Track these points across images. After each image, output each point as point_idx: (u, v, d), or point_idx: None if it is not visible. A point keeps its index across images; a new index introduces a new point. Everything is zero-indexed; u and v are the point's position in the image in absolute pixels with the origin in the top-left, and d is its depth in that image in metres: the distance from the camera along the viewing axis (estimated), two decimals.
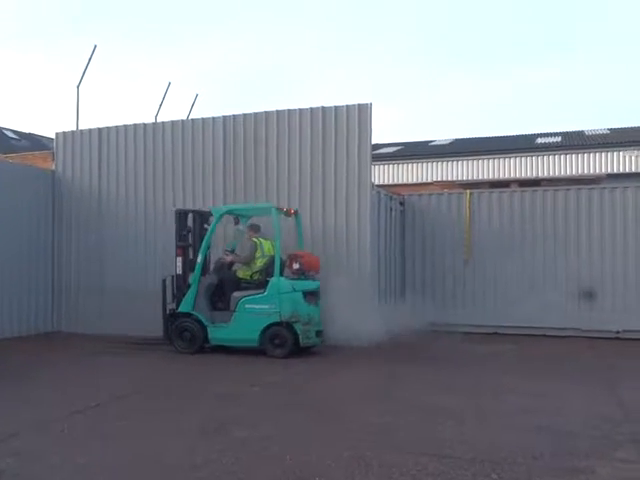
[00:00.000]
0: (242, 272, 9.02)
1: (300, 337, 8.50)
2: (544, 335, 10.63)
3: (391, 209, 11.24)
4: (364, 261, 9.65)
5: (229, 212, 9.35)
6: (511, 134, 25.95)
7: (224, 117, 10.62)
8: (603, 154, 20.33)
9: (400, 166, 22.35)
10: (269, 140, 10.29)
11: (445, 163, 21.81)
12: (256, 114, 10.42)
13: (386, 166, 22.25)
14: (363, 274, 9.62)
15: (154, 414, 5.66)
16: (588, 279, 10.82)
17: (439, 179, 20.94)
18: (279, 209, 9.00)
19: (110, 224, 11.26)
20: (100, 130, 11.50)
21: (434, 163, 21.95)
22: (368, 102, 9.75)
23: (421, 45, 75.05)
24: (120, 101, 51.53)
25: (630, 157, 20.06)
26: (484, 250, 11.39)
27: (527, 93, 68.10)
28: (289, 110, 10.22)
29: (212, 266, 9.27)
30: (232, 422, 5.31)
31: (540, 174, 20.13)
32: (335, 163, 9.88)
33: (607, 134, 23.55)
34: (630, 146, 20.30)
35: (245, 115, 10.49)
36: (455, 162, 21.73)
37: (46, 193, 11.50)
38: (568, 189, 11.35)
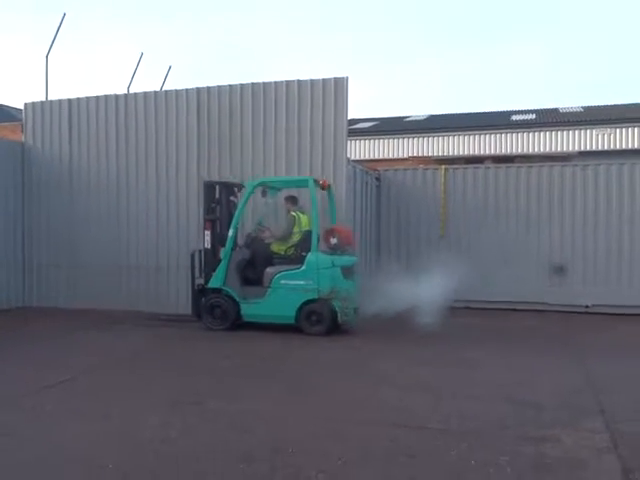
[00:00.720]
0: (276, 246, 8.72)
1: (338, 314, 8.25)
2: (515, 309, 10.83)
3: (367, 184, 11.24)
4: None
5: (263, 184, 9.00)
6: (487, 110, 26.06)
7: (198, 89, 10.45)
8: (576, 132, 20.55)
9: (376, 141, 22.33)
10: (244, 113, 10.17)
11: (421, 139, 21.84)
12: (231, 86, 10.27)
13: (362, 141, 22.22)
14: None
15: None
16: (559, 254, 11.02)
17: (415, 154, 21.00)
18: (315, 181, 8.65)
19: (81, 197, 11.09)
20: (70, 101, 11.24)
21: (410, 139, 21.97)
22: (344, 76, 9.68)
23: (398, 20, 74.55)
24: (91, 72, 50.37)
25: (602, 135, 20.31)
26: (459, 225, 11.50)
27: (503, 70, 68.23)
28: (265, 83, 10.09)
29: (243, 240, 8.96)
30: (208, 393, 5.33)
31: (514, 151, 20.30)
32: (311, 137, 9.82)
33: (581, 112, 23.78)
34: (603, 124, 20.54)
35: (220, 87, 10.33)
36: (430, 138, 21.77)
37: (15, 165, 11.24)
38: (541, 166, 11.48)
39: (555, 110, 24.69)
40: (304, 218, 8.78)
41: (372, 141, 22.35)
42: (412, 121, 25.66)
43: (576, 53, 70.05)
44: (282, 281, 8.36)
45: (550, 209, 11.12)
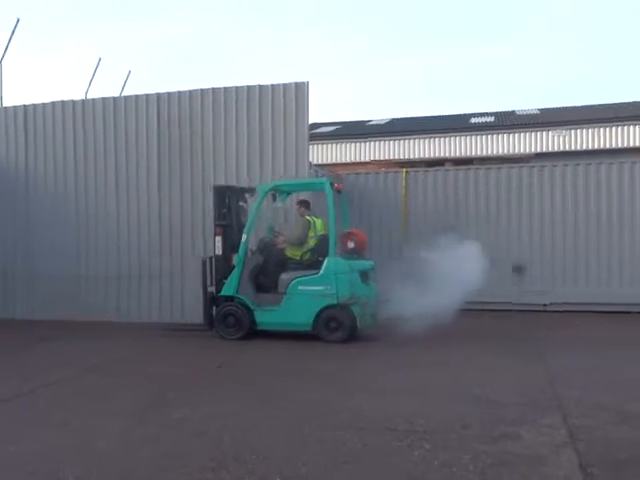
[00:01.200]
0: (291, 252, 8.51)
1: (358, 320, 8.03)
2: (475, 309, 10.94)
3: None
4: None
5: (276, 188, 8.74)
6: (446, 114, 26.48)
7: (158, 94, 10.36)
8: (533, 134, 21.00)
9: (338, 145, 22.44)
10: (205, 118, 10.12)
11: (382, 142, 22.02)
12: (191, 92, 10.21)
13: (324, 145, 22.30)
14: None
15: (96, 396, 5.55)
16: (518, 255, 11.24)
17: (376, 158, 21.17)
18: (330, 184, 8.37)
19: (38, 205, 10.86)
20: (26, 107, 11.00)
21: (371, 142, 22.14)
22: (305, 81, 9.72)
23: (359, 25, 75.07)
24: (48, 78, 49.39)
25: (558, 137, 20.81)
26: (420, 227, 11.63)
27: (462, 73, 69.34)
28: (225, 88, 10.06)
29: (255, 246, 8.71)
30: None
31: (474, 153, 20.64)
32: (272, 142, 9.83)
33: (537, 114, 24.32)
34: (558, 126, 21.05)
35: (180, 93, 10.26)
36: (392, 141, 21.97)
37: None
38: (500, 167, 11.72)
39: (512, 113, 25.19)
40: (319, 222, 8.59)
41: (334, 145, 22.46)
42: (373, 125, 25.86)
43: (531, 56, 71.68)
44: (299, 287, 8.12)
45: (509, 210, 11.36)
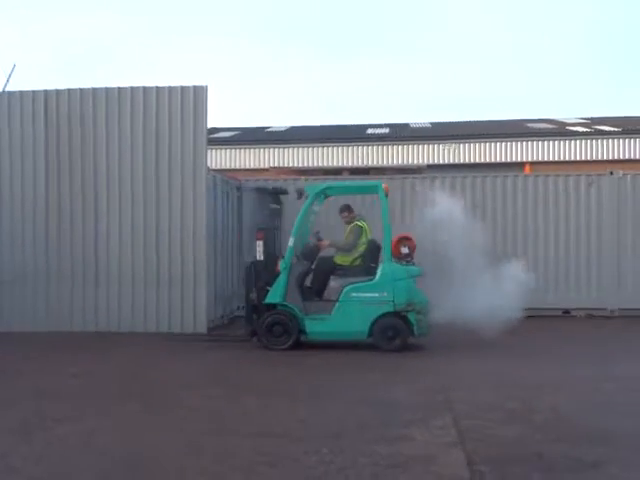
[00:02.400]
0: (341, 258, 8.19)
1: (414, 327, 7.81)
2: None
3: (227, 194, 11.17)
4: (199, 248, 9.49)
5: (327, 190, 8.43)
6: (344, 123, 27.01)
7: (46, 91, 9.79)
8: (426, 146, 21.90)
9: (237, 151, 22.27)
10: (98, 119, 9.68)
11: (281, 149, 22.11)
12: (82, 90, 9.74)
13: (223, 150, 22.04)
14: (199, 262, 9.47)
15: None
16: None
17: (275, 165, 21.21)
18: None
19: None
20: None
21: (271, 149, 22.17)
22: (204, 84, 9.57)
23: (260, 31, 75.09)
24: None
25: (449, 150, 21.84)
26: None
27: (361, 84, 71.20)
28: (120, 88, 9.69)
29: (299, 251, 8.23)
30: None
31: (370, 163, 21.19)
32: (169, 145, 9.57)
33: (429, 128, 25.42)
34: (449, 140, 22.10)
35: (70, 90, 9.76)
36: (291, 149, 22.12)
37: None
38: (394, 178, 12.11)
39: (406, 125, 26.18)
40: (368, 227, 8.37)
41: (233, 150, 22.27)
42: (273, 131, 25.93)
43: (423, 72, 74.89)
44: (353, 294, 7.85)
45: (402, 219, 11.71)
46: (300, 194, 8.35)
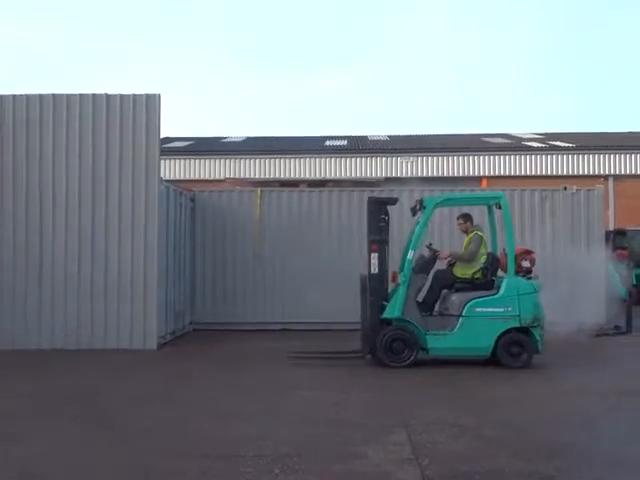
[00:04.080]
0: (461, 270, 8.04)
1: (539, 344, 7.69)
2: (330, 330, 11.20)
3: (181, 205, 11.04)
4: (150, 262, 9.31)
5: (447, 202, 8.43)
6: (302, 135, 27.11)
7: None
8: (383, 159, 22.17)
9: (191, 161, 22.12)
10: (44, 126, 9.43)
11: (237, 160, 22.05)
12: (28, 96, 9.48)
13: (177, 161, 21.87)
14: (149, 276, 9.29)
15: None
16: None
17: (231, 176, 21.13)
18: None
19: None
20: None
21: (226, 160, 22.08)
22: (157, 93, 9.46)
23: (216, 41, 74.93)
24: None
25: (407, 163, 22.14)
26: (275, 247, 11.73)
27: (318, 96, 71.69)
28: (68, 95, 9.48)
29: (414, 263, 8.01)
30: None
31: (327, 175, 21.31)
32: (120, 156, 9.38)
33: (387, 140, 25.75)
34: (406, 152, 22.43)
35: (15, 97, 9.50)
36: (247, 160, 22.08)
37: None
38: (352, 190, 12.19)
39: (364, 138, 26.45)
40: (486, 238, 8.24)
41: (187, 161, 22.11)
42: (229, 142, 25.85)
43: (381, 85, 75.98)
44: (477, 309, 7.70)
45: (359, 231, 11.71)
46: (414, 210, 8.28)
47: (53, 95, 9.50)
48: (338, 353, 8.17)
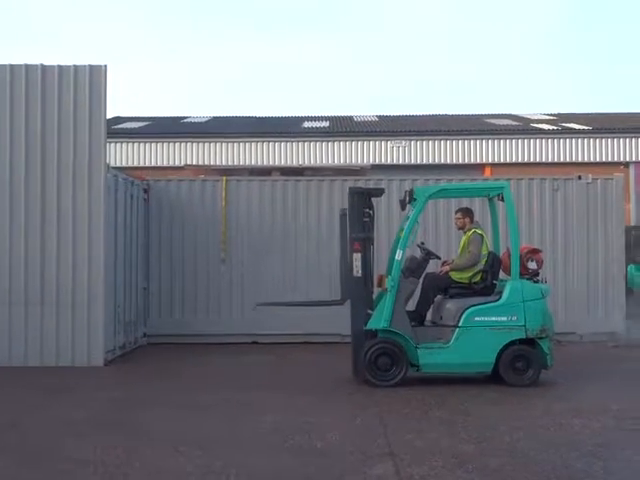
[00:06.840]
0: (457, 274, 8.01)
1: (548, 358, 7.64)
2: (306, 342, 11.15)
3: (132, 196, 10.93)
4: (96, 264, 9.20)
5: (441, 193, 8.45)
6: (276, 115, 27.06)
7: None
8: (371, 143, 22.17)
9: (146, 145, 21.95)
10: None
11: (200, 144, 21.93)
12: None
13: (128, 144, 21.67)
14: (94, 281, 9.18)
15: None
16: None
17: (193, 162, 21.01)
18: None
19: None
20: None
21: (187, 143, 21.95)
22: (102, 64, 9.35)
23: (180, 9, 74.48)
24: None
25: (398, 147, 22.16)
26: (244, 246, 11.65)
27: (296, 68, 71.69)
28: None
29: (404, 266, 7.93)
30: None
31: (306, 161, 21.26)
32: (59, 137, 9.27)
33: (375, 121, 25.78)
34: (397, 136, 22.44)
35: None
36: (212, 143, 21.97)
37: None
38: (333, 179, 12.11)
39: (350, 118, 26.45)
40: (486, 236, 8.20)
41: (141, 144, 21.92)
42: (191, 123, 25.70)
43: (369, 56, 76.19)
44: (476, 318, 7.63)
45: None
46: (403, 203, 8.16)
47: None
48: (315, 302, 8.41)
